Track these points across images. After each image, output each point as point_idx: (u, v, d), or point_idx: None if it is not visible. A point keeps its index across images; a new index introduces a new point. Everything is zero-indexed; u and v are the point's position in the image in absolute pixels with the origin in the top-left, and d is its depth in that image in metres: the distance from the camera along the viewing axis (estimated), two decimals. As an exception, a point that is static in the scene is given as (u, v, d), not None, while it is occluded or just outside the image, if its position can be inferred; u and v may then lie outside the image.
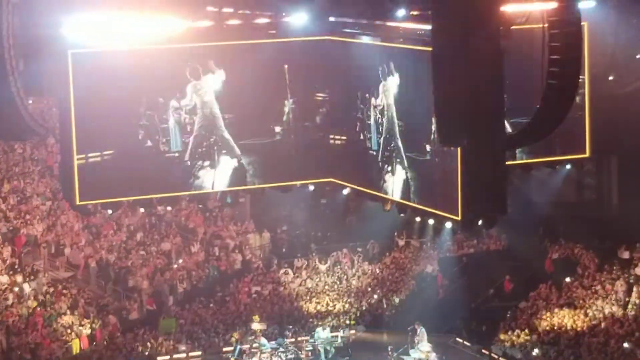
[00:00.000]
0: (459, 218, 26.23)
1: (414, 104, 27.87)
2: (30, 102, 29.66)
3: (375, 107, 29.43)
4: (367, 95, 29.81)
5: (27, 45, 26.09)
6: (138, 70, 28.09)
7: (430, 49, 21.02)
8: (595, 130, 29.69)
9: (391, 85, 28.63)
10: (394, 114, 28.69)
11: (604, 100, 30.38)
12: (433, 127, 26.91)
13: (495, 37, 20.41)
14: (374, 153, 29.88)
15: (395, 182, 29.16)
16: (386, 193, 29.40)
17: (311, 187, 31.50)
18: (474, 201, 23.18)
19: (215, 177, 29.50)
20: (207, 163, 29.26)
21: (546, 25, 20.31)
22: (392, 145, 29.08)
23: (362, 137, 30.21)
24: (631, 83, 32.95)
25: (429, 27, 21.49)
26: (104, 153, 28.34)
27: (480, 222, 26.07)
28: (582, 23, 21.10)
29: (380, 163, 29.52)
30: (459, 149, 23.75)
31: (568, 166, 31.90)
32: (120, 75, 27.86)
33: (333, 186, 31.04)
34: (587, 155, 30.18)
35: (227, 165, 29.52)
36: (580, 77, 25.93)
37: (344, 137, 30.83)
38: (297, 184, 30.78)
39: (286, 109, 29.98)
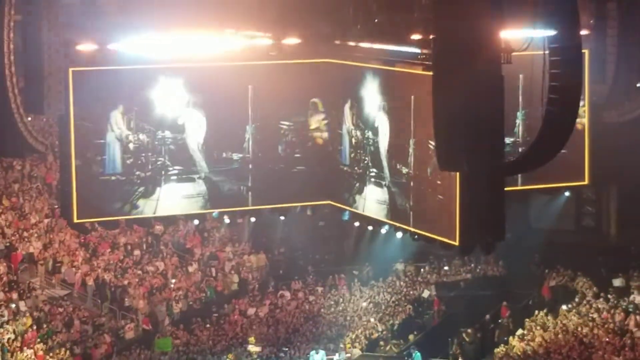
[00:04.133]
0: (456, 243, 26.19)
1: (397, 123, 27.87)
2: (30, 119, 29.66)
3: (351, 116, 29.21)
4: (340, 100, 29.63)
5: (28, 63, 26.18)
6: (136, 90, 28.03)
7: (431, 73, 21.07)
8: (595, 158, 29.70)
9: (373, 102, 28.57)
10: (372, 129, 28.52)
11: (604, 128, 30.41)
12: (411, 150, 27.02)
13: (496, 63, 20.46)
14: (346, 168, 29.75)
15: (367, 203, 29.08)
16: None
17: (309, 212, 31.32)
18: (473, 226, 23.16)
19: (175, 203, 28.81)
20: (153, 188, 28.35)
21: (547, 52, 20.36)
22: (365, 162, 28.94)
23: (331, 148, 30.05)
24: (631, 111, 32.98)
25: (430, 51, 21.56)
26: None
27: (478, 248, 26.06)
28: (583, 50, 21.16)
29: (350, 180, 29.39)
30: (458, 173, 23.78)
31: (567, 193, 31.88)
32: (119, 95, 27.82)
33: (331, 209, 30.99)
34: (586, 182, 30.16)
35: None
36: (581, 104, 25.98)
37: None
38: (295, 205, 30.67)
39: (247, 136, 29.59)
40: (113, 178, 27.95)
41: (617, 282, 35.32)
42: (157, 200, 28.53)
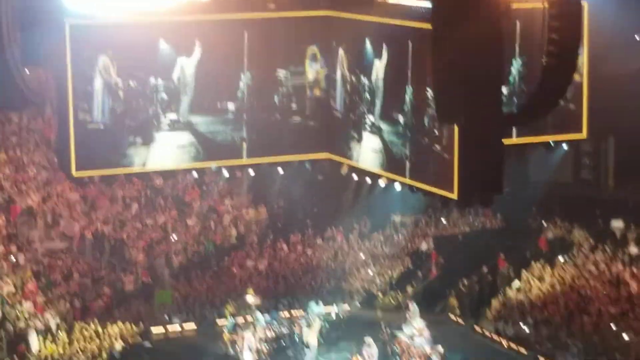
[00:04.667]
0: (455, 196, 26.21)
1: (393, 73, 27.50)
2: (27, 72, 29.51)
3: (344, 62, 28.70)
4: (333, 43, 29.15)
5: (25, 15, 25.99)
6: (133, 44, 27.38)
7: (429, 25, 20.99)
8: (594, 111, 29.68)
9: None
10: (367, 75, 28.09)
11: (602, 82, 30.34)
12: (407, 98, 26.72)
13: (496, 15, 20.38)
14: (340, 115, 29.30)
15: (363, 151, 28.77)
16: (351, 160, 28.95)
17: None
18: (471, 180, 23.16)
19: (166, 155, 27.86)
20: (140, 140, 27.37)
21: (546, 4, 20.28)
22: (361, 109, 28.49)
23: (327, 97, 29.55)
24: (630, 64, 32.92)
25: (429, 4, 21.46)
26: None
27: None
28: (582, 2, 21.09)
29: (345, 127, 28.94)
30: (456, 127, 23.75)
31: (565, 146, 31.90)
32: (116, 49, 27.27)
33: (329, 162, 30.92)
34: (584, 136, 30.15)
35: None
36: (580, 57, 25.90)
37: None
38: (292, 159, 30.38)
39: (242, 84, 28.57)
40: (102, 127, 27.01)
41: (616, 223, 35.39)
42: (149, 150, 27.81)
